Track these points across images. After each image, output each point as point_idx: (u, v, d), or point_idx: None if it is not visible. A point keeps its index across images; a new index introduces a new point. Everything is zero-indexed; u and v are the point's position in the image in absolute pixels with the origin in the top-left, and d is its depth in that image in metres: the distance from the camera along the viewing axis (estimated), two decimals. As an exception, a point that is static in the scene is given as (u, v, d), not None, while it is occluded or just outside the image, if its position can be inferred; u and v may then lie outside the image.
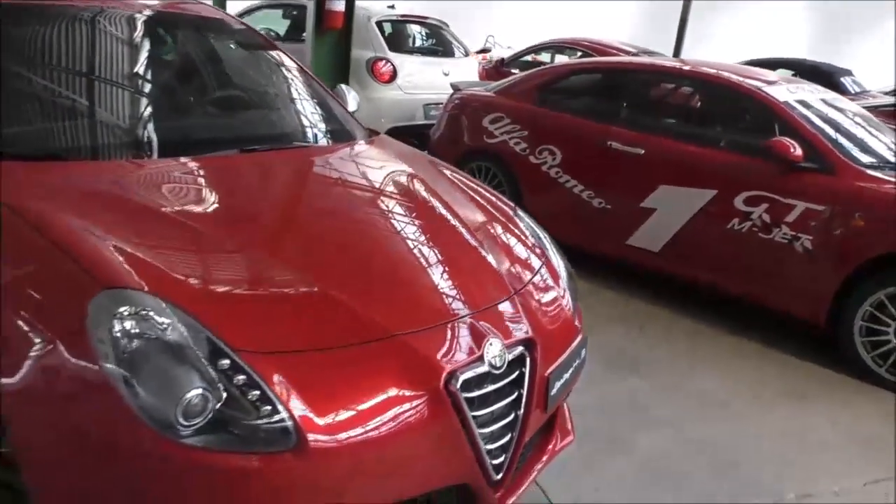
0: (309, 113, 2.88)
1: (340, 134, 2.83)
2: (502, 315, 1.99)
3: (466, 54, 7.42)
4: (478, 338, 1.87)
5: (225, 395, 1.53)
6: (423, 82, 6.41)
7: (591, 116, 4.59)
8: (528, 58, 9.56)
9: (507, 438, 1.90)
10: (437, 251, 2.15)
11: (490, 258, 2.19)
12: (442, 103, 5.82)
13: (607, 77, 4.88)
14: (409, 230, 2.23)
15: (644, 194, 4.25)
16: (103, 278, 1.62)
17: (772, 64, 9.47)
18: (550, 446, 2.23)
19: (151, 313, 1.57)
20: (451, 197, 2.50)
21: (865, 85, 10.02)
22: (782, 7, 20.81)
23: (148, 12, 2.69)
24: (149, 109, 2.46)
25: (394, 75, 6.22)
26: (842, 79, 9.30)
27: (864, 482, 2.80)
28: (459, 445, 1.77)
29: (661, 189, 4.18)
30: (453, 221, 2.33)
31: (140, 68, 2.51)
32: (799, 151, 3.70)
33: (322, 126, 2.84)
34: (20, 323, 1.62)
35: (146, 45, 2.59)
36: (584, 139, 4.55)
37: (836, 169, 3.68)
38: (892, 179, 3.64)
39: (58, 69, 2.39)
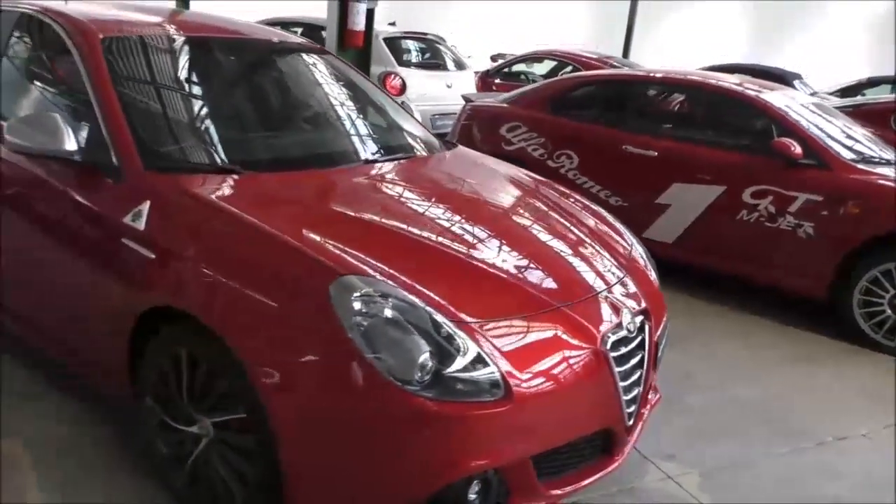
0: (406, 127, 3.27)
1: (429, 144, 3.22)
2: (625, 289, 2.43)
3: (461, 67, 7.87)
4: (615, 308, 2.30)
5: (447, 356, 1.91)
6: (429, 94, 6.82)
7: (606, 123, 5.08)
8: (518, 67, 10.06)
9: (635, 392, 2.33)
10: (566, 237, 2.59)
11: (603, 242, 2.63)
12: (446, 114, 6.23)
13: (619, 87, 5.39)
14: (541, 221, 2.65)
15: (658, 192, 4.75)
16: (338, 267, 1.98)
17: (729, 69, 10.18)
18: (651, 399, 2.67)
19: (382, 294, 1.95)
20: (551, 192, 2.94)
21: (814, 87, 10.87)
22: (719, 11, 22.04)
23: (280, 44, 3.09)
24: (306, 129, 2.85)
25: (403, 88, 6.61)
26: (794, 82, 10.11)
27: (883, 426, 3.33)
28: (611, 396, 2.20)
29: (675, 187, 4.69)
30: (564, 212, 2.77)
31: (297, 95, 2.90)
32: (798, 150, 4.25)
33: (416, 138, 3.22)
34: (267, 302, 1.97)
35: (294, 75, 2.98)
36: (599, 144, 5.03)
37: (830, 164, 4.25)
38: (877, 171, 4.24)
39: (248, 99, 2.76)
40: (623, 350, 2.26)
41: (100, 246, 2.38)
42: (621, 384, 2.23)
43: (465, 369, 1.92)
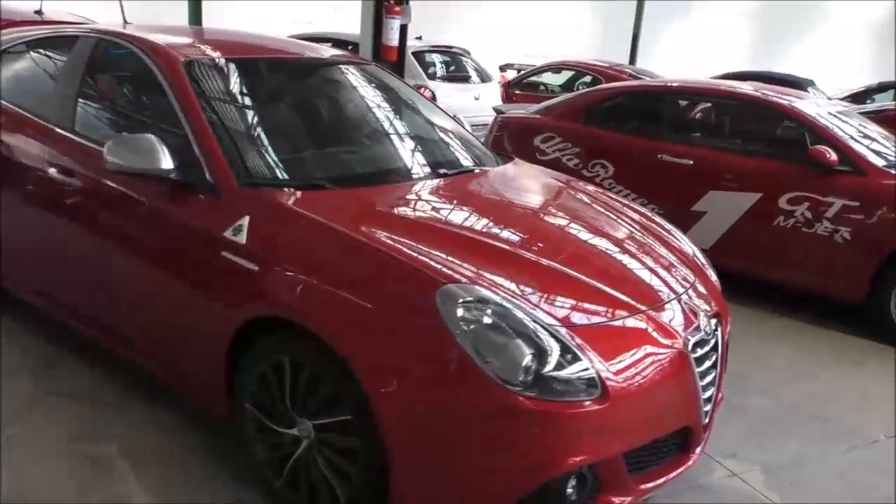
0: (466, 141, 3.40)
1: (489, 157, 3.35)
2: (698, 293, 2.55)
3: (486, 79, 8.01)
4: (692, 311, 2.42)
5: (547, 358, 2.03)
6: (458, 107, 6.94)
7: (640, 133, 5.21)
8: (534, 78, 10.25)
9: (710, 392, 2.44)
10: (639, 244, 2.71)
11: (672, 249, 2.76)
12: (475, 125, 6.34)
13: (652, 98, 5.52)
14: (614, 229, 2.78)
15: (694, 199, 4.87)
16: (440, 276, 2.10)
17: (742, 77, 10.34)
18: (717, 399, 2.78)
19: (483, 300, 2.06)
20: (612, 202, 3.07)
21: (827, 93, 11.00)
22: (721, 18, 22.27)
23: (344, 61, 3.27)
24: (380, 144, 3.03)
25: (433, 101, 6.75)
26: (808, 88, 10.25)
27: (930, 423, 3.45)
28: (692, 395, 2.32)
29: (711, 194, 4.82)
30: (631, 221, 2.90)
31: (368, 110, 3.09)
32: (834, 157, 4.38)
33: (477, 151, 3.36)
34: (374, 310, 2.09)
35: (362, 91, 3.17)
36: (634, 153, 5.16)
37: (865, 170, 4.37)
38: (911, 177, 4.37)
39: (324, 116, 2.91)
40: (700, 352, 2.37)
41: (197, 260, 2.50)
42: (700, 384, 2.34)
43: (564, 370, 2.03)
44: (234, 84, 2.97)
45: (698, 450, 2.47)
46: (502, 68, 15.34)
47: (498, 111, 6.13)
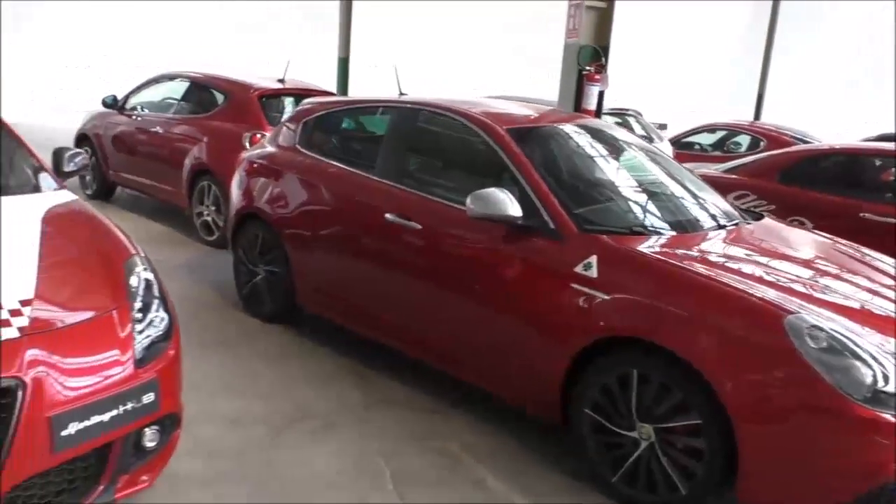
0: (717, 196, 3.91)
1: (736, 213, 3.81)
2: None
3: (656, 139, 8.53)
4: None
5: (882, 377, 2.44)
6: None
7: (839, 192, 5.55)
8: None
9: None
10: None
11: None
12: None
13: (851, 158, 5.88)
14: (880, 275, 3.20)
15: (898, 255, 5.14)
16: (783, 307, 2.57)
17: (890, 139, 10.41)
18: None
19: (823, 327, 2.50)
20: (864, 251, 3.50)
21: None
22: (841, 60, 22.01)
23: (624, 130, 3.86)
24: (675, 198, 3.60)
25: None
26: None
27: None
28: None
29: (917, 251, 5.07)
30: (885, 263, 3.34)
31: (659, 169, 3.67)
32: None
33: (730, 205, 3.84)
34: (725, 331, 2.58)
35: (648, 154, 3.79)
36: (833, 211, 5.49)
37: None
38: None
39: (625, 171, 3.56)
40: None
41: (545, 290, 3.05)
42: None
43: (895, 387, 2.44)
44: (546, 147, 3.59)
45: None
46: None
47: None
